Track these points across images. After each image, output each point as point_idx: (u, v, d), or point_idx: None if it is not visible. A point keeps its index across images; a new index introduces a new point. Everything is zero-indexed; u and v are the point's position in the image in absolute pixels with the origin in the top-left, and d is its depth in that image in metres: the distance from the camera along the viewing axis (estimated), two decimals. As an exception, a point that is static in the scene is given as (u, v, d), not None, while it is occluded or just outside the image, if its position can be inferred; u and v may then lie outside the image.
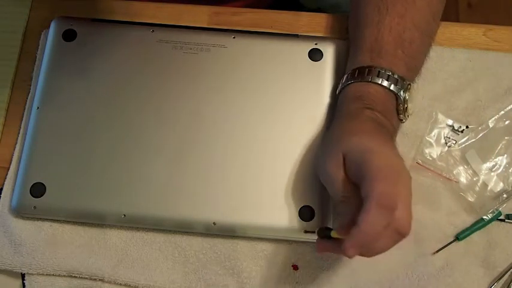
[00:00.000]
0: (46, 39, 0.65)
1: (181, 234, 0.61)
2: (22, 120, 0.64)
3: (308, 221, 0.59)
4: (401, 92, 0.57)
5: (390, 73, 0.56)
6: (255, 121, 0.62)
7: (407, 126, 0.63)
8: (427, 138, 0.64)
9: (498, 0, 1.54)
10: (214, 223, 0.59)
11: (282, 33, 0.67)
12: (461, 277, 0.60)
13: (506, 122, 0.64)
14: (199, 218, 0.59)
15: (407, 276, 0.59)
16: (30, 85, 0.66)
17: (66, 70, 0.64)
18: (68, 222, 0.61)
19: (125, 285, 0.60)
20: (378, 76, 0.56)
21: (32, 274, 0.60)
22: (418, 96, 0.64)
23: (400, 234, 0.50)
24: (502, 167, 0.63)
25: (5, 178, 0.62)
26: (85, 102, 0.62)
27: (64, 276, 0.60)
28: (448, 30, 0.68)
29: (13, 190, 0.61)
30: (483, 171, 0.62)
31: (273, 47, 0.64)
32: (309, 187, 0.59)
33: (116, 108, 0.62)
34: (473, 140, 0.63)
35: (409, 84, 0.57)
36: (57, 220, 0.61)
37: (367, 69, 0.57)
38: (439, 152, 0.63)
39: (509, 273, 0.60)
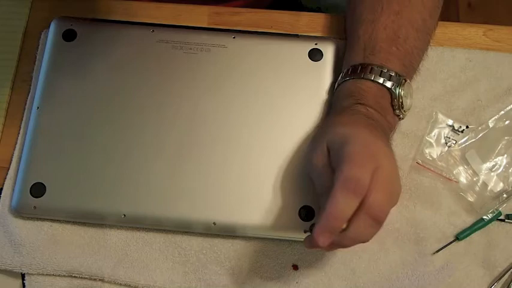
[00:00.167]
0: (46, 39, 0.65)
1: (181, 234, 0.61)
2: (22, 120, 0.64)
3: (308, 221, 0.58)
4: (395, 87, 0.57)
5: (383, 69, 0.57)
6: (255, 121, 0.62)
7: (407, 126, 0.63)
8: (427, 138, 0.64)
9: (498, 0, 1.54)
10: (214, 223, 0.59)
11: (282, 33, 0.67)
12: (461, 277, 0.60)
13: (506, 122, 0.64)
14: (199, 218, 0.59)
15: (407, 276, 0.59)
16: (30, 85, 0.66)
17: (66, 70, 0.64)
18: (68, 222, 0.61)
19: (125, 285, 0.60)
20: (370, 72, 0.57)
21: (32, 274, 0.60)
22: (418, 96, 0.64)
23: (375, 220, 0.50)
24: (502, 167, 0.63)
25: (5, 178, 0.62)
26: (85, 102, 0.62)
27: (64, 276, 0.60)
28: (448, 30, 0.68)
29: (13, 190, 0.61)
30: (483, 171, 0.62)
31: (273, 47, 0.64)
32: (309, 187, 0.59)
33: (116, 108, 0.62)
34: (473, 140, 0.63)
35: (404, 79, 0.58)
36: (57, 220, 0.61)
37: (360, 67, 0.58)
38: (439, 152, 0.63)
39: (509, 273, 0.60)
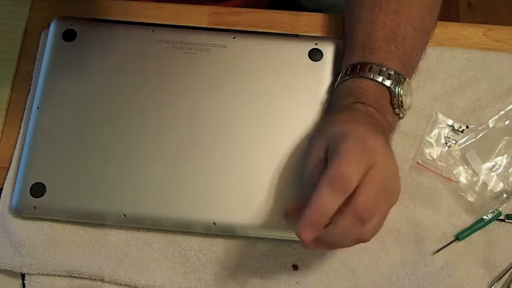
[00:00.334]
0: (46, 39, 0.65)
1: (181, 234, 0.61)
2: (22, 120, 0.64)
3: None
4: (395, 86, 0.57)
5: (382, 68, 0.57)
6: (255, 121, 0.62)
7: (407, 126, 0.63)
8: (427, 138, 0.64)
9: (498, 0, 1.54)
10: (214, 223, 0.59)
11: (282, 33, 0.67)
12: (461, 277, 0.59)
13: (506, 122, 0.64)
14: (199, 218, 0.59)
15: (407, 276, 0.59)
16: (30, 85, 0.66)
17: (66, 70, 0.64)
18: (68, 222, 0.61)
19: (125, 285, 0.60)
20: (369, 71, 0.57)
21: (32, 274, 0.60)
22: (418, 96, 0.64)
23: (360, 220, 0.49)
24: (502, 167, 0.63)
25: (5, 178, 0.62)
26: (85, 102, 0.62)
27: (64, 276, 0.60)
28: (448, 30, 0.68)
29: (13, 190, 0.61)
30: (483, 171, 0.62)
31: (273, 47, 0.64)
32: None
33: (116, 108, 0.62)
34: (473, 140, 0.63)
35: (404, 78, 0.58)
36: (57, 220, 0.61)
37: (359, 66, 0.58)
38: (439, 152, 0.63)
39: (509, 273, 0.60)
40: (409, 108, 0.59)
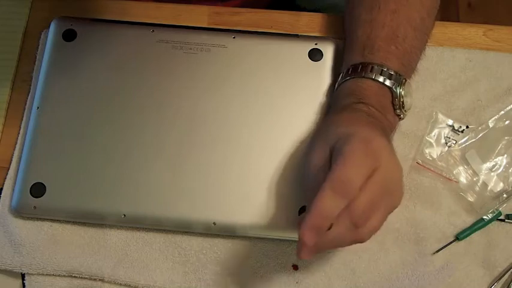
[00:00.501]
0: (46, 39, 0.65)
1: (181, 234, 0.61)
2: (22, 120, 0.64)
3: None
4: (396, 87, 0.57)
5: (384, 68, 0.57)
6: (255, 121, 0.62)
7: (407, 126, 0.63)
8: (427, 138, 0.64)
9: (498, 0, 1.54)
10: (214, 223, 0.59)
11: (282, 33, 0.67)
12: (461, 277, 0.59)
13: (506, 122, 0.64)
14: (199, 218, 0.59)
15: (407, 276, 0.59)
16: (30, 85, 0.66)
17: (66, 70, 0.64)
18: (68, 222, 0.61)
19: (125, 285, 0.60)
20: (371, 71, 0.57)
21: (32, 274, 0.60)
22: (418, 96, 0.64)
23: (355, 225, 0.49)
24: (502, 167, 0.63)
25: (5, 178, 0.62)
26: (85, 102, 0.62)
27: (64, 276, 0.60)
28: (448, 30, 0.68)
29: (13, 190, 0.61)
30: (483, 171, 0.62)
31: (273, 47, 0.64)
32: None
33: (116, 109, 0.62)
34: (473, 140, 0.63)
35: (405, 79, 0.58)
36: (57, 220, 0.61)
37: (360, 66, 0.57)
38: (439, 152, 0.63)
39: (509, 273, 0.60)
40: (410, 109, 0.59)
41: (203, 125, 0.62)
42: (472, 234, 0.61)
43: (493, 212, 0.61)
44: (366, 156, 0.49)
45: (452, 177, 0.62)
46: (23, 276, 0.60)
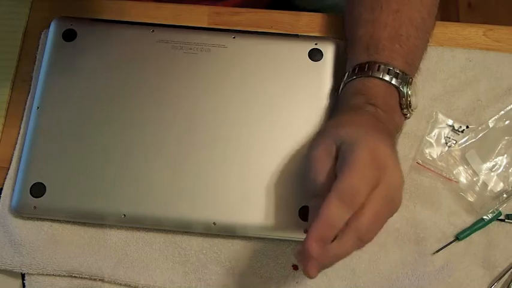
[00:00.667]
0: (46, 39, 0.65)
1: (181, 234, 0.61)
2: (22, 120, 0.64)
3: (308, 221, 0.58)
4: (403, 86, 0.57)
5: (390, 67, 0.57)
6: (255, 121, 0.62)
7: (407, 126, 0.63)
8: (427, 138, 0.64)
9: (498, 0, 1.54)
10: (214, 223, 0.59)
11: (282, 33, 0.67)
12: (461, 277, 0.60)
13: (506, 122, 0.64)
14: (199, 218, 0.59)
15: (407, 276, 0.59)
16: (30, 85, 0.66)
17: (66, 70, 0.64)
18: (68, 222, 0.61)
19: (125, 285, 0.60)
20: (378, 70, 0.56)
21: (32, 274, 0.60)
22: (418, 96, 0.64)
23: (362, 241, 0.49)
24: (502, 167, 0.63)
25: (5, 178, 0.62)
26: (85, 102, 0.62)
27: (64, 276, 0.60)
28: (448, 30, 0.68)
29: (13, 190, 0.61)
30: (483, 171, 0.62)
31: (273, 47, 0.64)
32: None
33: (116, 109, 0.62)
34: (473, 140, 0.63)
35: (411, 78, 0.58)
36: (57, 220, 0.61)
37: (366, 65, 0.57)
38: (439, 152, 0.63)
39: (509, 273, 0.60)
40: (416, 108, 0.59)
41: (203, 125, 0.62)
42: (472, 234, 0.61)
43: (493, 212, 0.61)
44: (371, 167, 0.49)
45: (452, 177, 0.62)
46: (23, 276, 0.60)
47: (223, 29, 0.66)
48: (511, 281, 0.60)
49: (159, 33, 0.65)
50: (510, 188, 0.62)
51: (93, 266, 0.59)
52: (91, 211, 0.60)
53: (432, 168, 0.62)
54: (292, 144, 0.61)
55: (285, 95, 0.63)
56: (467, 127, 0.64)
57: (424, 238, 0.60)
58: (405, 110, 0.58)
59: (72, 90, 0.63)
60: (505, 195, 0.62)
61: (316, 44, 0.64)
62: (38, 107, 0.62)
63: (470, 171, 0.63)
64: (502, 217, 0.61)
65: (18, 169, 0.61)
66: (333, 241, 0.49)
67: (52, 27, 0.65)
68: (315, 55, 0.64)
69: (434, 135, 0.64)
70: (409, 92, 0.57)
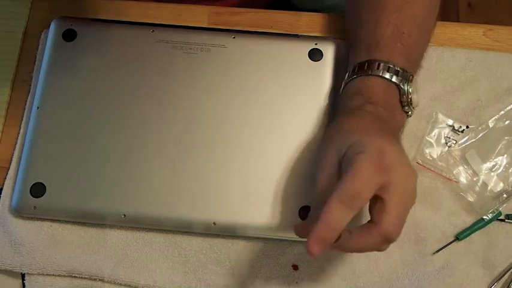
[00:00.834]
0: (46, 39, 0.65)
1: (181, 234, 0.61)
2: (22, 120, 0.64)
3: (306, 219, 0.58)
4: (404, 83, 0.57)
5: (390, 65, 0.56)
6: (255, 121, 0.62)
7: (407, 126, 0.63)
8: (427, 138, 0.64)
9: (498, 0, 1.54)
10: (214, 223, 0.59)
11: (282, 33, 0.67)
12: (461, 277, 0.60)
13: (506, 122, 0.64)
14: (199, 218, 0.59)
15: (407, 276, 0.59)
16: (30, 85, 0.66)
17: (66, 70, 0.64)
18: (68, 222, 0.61)
19: (125, 285, 0.60)
20: (377, 69, 0.56)
21: (32, 274, 0.60)
22: (420, 93, 0.64)
23: (389, 240, 0.50)
24: (502, 167, 0.63)
25: (5, 178, 0.62)
26: (85, 102, 0.62)
27: (64, 276, 0.60)
28: (448, 30, 0.68)
29: (13, 190, 0.61)
30: (483, 171, 0.62)
31: (273, 47, 0.64)
32: (309, 187, 0.59)
33: (116, 109, 0.62)
34: (474, 140, 0.63)
35: (411, 75, 0.57)
36: (57, 220, 0.61)
37: (366, 63, 0.57)
38: (439, 152, 0.63)
39: (509, 273, 0.60)
40: (418, 105, 0.58)
41: (203, 125, 0.62)
42: (472, 234, 0.61)
43: (493, 212, 0.61)
44: (377, 171, 0.49)
45: (452, 177, 0.62)
46: (23, 276, 0.60)
47: (223, 29, 0.66)
48: (511, 281, 0.60)
49: (159, 33, 0.65)
50: (510, 188, 0.62)
51: (93, 266, 0.59)
52: (91, 211, 0.60)
53: (432, 168, 0.62)
54: (292, 144, 0.61)
55: (285, 95, 0.63)
56: (467, 127, 0.64)
57: (424, 238, 0.60)
58: (406, 108, 0.58)
59: (72, 90, 0.63)
60: (505, 195, 0.62)
61: (316, 44, 0.64)
62: (38, 107, 0.62)
63: (470, 171, 0.63)
64: (502, 217, 0.61)
65: (18, 169, 0.61)
66: (336, 240, 0.49)
67: (52, 27, 0.65)
68: (315, 55, 0.64)
69: (434, 135, 0.64)
70: (410, 90, 0.57)
